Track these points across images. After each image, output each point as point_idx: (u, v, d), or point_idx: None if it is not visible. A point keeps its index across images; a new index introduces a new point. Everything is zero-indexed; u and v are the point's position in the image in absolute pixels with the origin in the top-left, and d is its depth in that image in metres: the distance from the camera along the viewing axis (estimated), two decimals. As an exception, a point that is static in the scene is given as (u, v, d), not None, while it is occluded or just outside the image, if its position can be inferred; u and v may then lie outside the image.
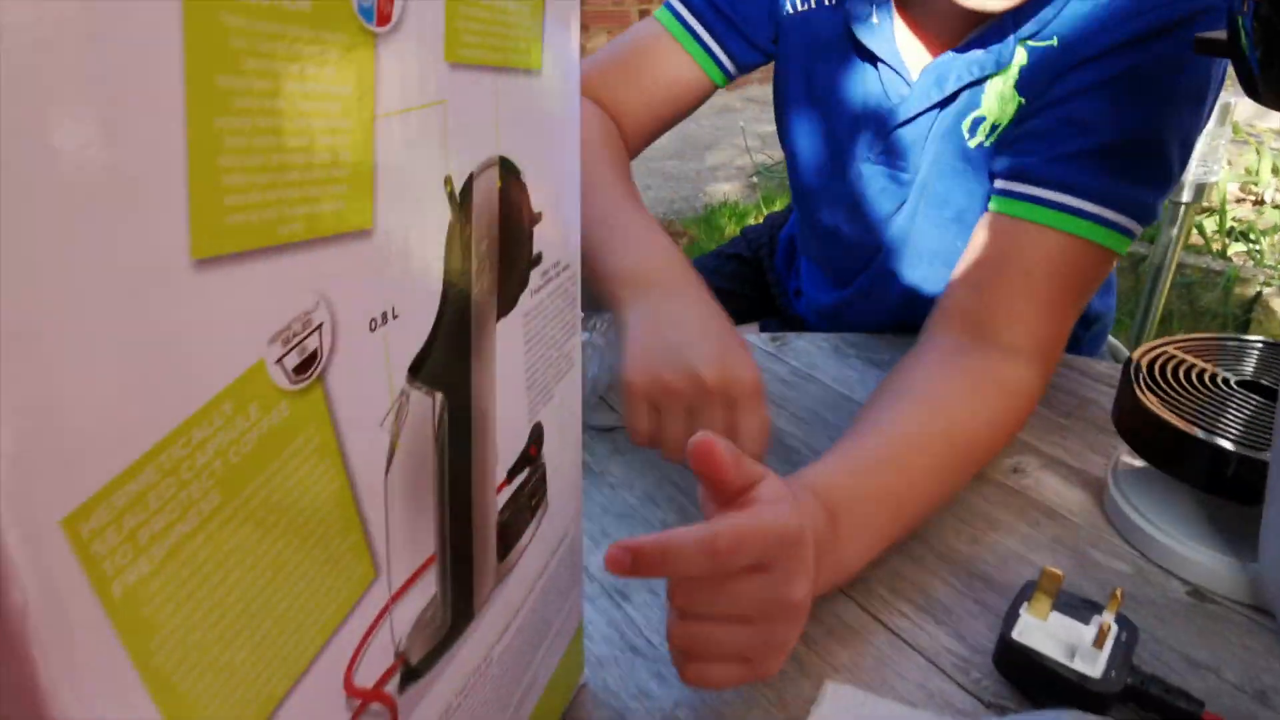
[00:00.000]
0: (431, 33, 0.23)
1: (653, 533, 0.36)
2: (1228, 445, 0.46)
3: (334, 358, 0.21)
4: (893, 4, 0.67)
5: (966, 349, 0.58)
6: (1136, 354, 0.55)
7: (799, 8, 0.70)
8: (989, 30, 0.62)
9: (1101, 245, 0.58)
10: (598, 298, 0.60)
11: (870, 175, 0.72)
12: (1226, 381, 0.52)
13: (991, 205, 0.62)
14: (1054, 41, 0.60)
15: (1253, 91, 0.44)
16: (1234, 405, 0.50)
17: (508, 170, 0.28)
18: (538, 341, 0.32)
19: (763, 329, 0.96)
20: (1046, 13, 0.60)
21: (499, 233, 0.27)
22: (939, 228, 0.70)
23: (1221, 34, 0.45)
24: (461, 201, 0.25)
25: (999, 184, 0.62)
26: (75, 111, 0.14)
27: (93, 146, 0.14)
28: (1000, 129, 0.63)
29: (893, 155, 0.70)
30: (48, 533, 0.15)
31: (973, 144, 0.65)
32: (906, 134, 0.68)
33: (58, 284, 0.14)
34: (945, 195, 0.68)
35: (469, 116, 0.25)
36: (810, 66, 0.71)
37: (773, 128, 0.81)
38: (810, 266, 0.86)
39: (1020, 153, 0.61)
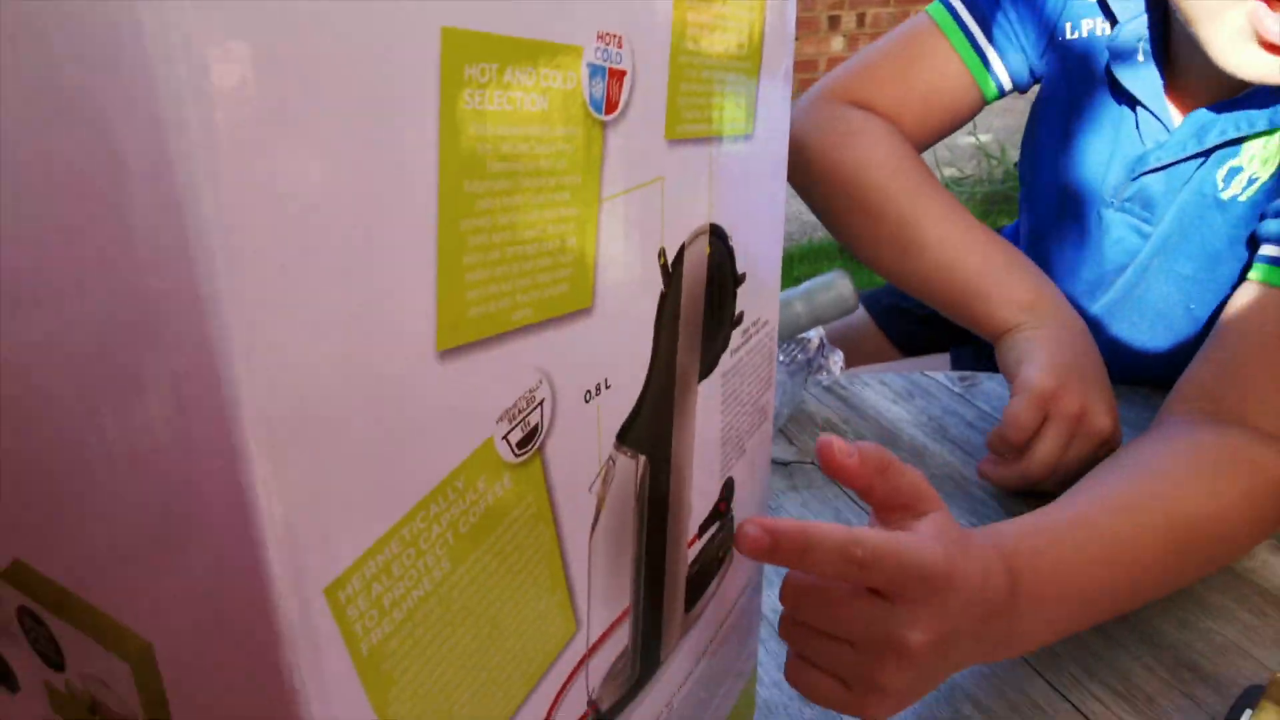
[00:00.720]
0: (654, 114, 0.23)
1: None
2: None
3: (552, 429, 0.22)
4: (1157, 49, 0.62)
5: (1207, 428, 0.51)
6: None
7: (1077, 33, 0.67)
8: (1260, 90, 0.57)
9: None
10: (971, 322, 0.63)
11: (1110, 221, 0.67)
12: None
13: (1253, 274, 0.56)
14: None
15: None
16: None
17: (717, 236, 0.28)
18: (734, 399, 0.32)
19: (954, 358, 0.92)
20: None
21: (705, 299, 0.28)
22: (1173, 284, 0.65)
23: None
24: (673, 272, 0.26)
25: (1265, 249, 0.56)
26: (347, 233, 0.15)
27: (356, 258, 0.16)
28: (1259, 184, 0.58)
29: (1138, 203, 0.65)
30: (315, 600, 0.16)
31: (1225, 195, 0.60)
32: (1155, 183, 0.64)
33: (325, 384, 0.16)
34: (1187, 249, 0.63)
35: (684, 188, 0.26)
36: (1071, 97, 0.68)
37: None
38: None
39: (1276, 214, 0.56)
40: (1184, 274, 0.63)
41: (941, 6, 0.70)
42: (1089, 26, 0.65)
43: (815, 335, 0.70)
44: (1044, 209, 0.73)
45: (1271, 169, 0.58)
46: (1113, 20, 0.64)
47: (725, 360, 0.31)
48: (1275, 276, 0.54)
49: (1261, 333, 0.53)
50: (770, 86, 0.30)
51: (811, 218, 2.94)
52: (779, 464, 0.65)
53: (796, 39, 3.93)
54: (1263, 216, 0.58)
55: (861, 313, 1.01)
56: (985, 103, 0.73)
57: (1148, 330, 0.67)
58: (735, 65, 0.28)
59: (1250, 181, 0.58)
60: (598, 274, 0.22)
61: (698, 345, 0.28)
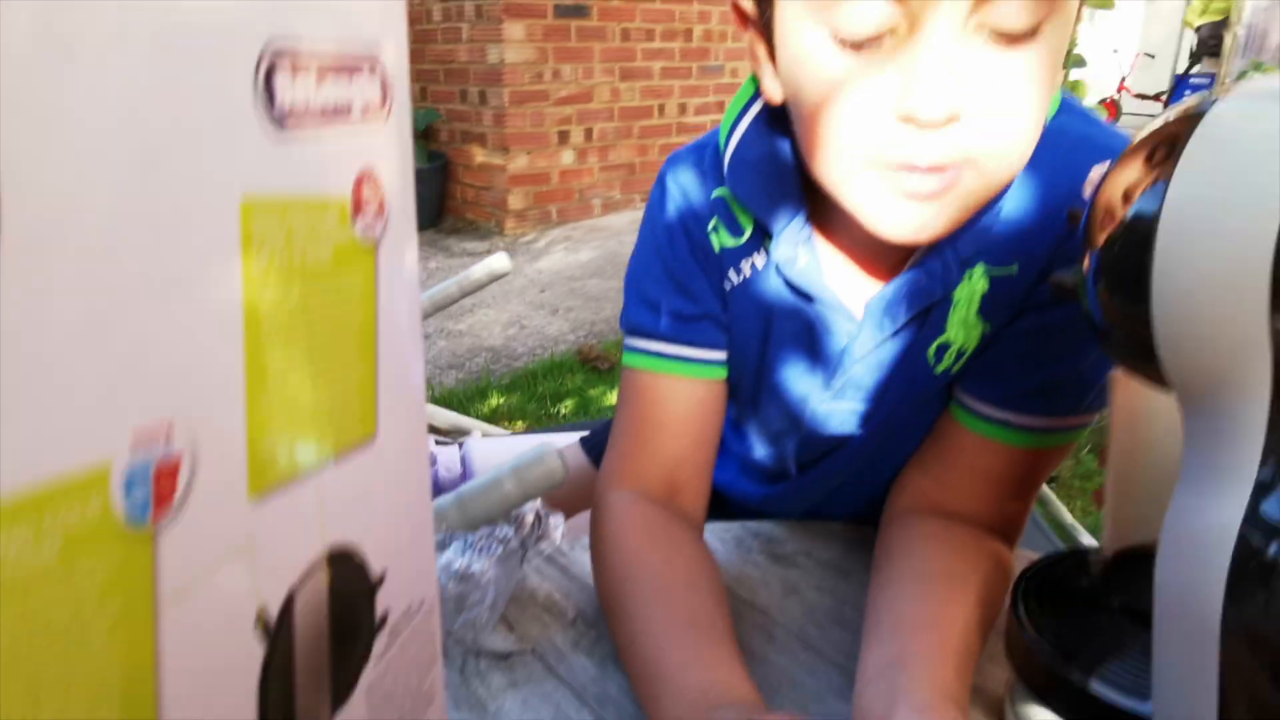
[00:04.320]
0: (228, 488, 0.22)
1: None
2: (1105, 689, 0.46)
3: None
4: (816, 238, 0.63)
5: (953, 529, 0.60)
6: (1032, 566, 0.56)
7: (737, 280, 0.67)
8: (929, 255, 0.60)
9: (1062, 445, 0.62)
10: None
11: (829, 413, 0.69)
12: (1110, 603, 0.53)
13: (953, 411, 0.63)
14: (1014, 269, 0.59)
15: (1097, 338, 0.45)
16: (1113, 633, 0.50)
17: (338, 559, 0.27)
18: (387, 702, 0.30)
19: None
20: (978, 232, 0.58)
21: (329, 631, 0.26)
22: (902, 449, 0.69)
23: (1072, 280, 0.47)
24: (277, 629, 0.24)
25: (962, 398, 0.63)
26: None
27: None
28: (967, 355, 0.62)
29: (852, 391, 0.67)
30: None
31: (939, 370, 0.63)
32: (864, 370, 0.65)
33: None
34: (910, 424, 0.68)
35: (285, 532, 0.24)
36: (759, 327, 0.68)
37: None
38: (738, 457, 0.83)
39: (984, 379, 0.62)
40: (910, 448, 0.68)
41: (632, 353, 0.68)
42: (748, 265, 0.66)
43: (530, 510, 0.70)
44: (759, 415, 0.75)
45: (976, 338, 0.62)
46: (766, 236, 0.64)
47: (368, 672, 0.29)
48: (968, 421, 0.62)
49: (966, 464, 0.63)
50: (393, 371, 0.29)
51: (553, 331, 3.00)
52: (499, 657, 0.63)
53: (528, 153, 4.07)
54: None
55: (583, 459, 1.02)
56: (727, 383, 0.71)
57: (873, 481, 0.72)
58: (342, 371, 0.26)
59: (960, 355, 0.62)
60: (163, 696, 0.20)
61: (324, 682, 0.26)
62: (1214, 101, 0.38)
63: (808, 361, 0.67)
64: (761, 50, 0.56)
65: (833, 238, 0.64)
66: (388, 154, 0.24)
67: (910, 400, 0.66)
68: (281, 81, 0.20)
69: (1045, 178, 0.56)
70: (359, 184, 0.23)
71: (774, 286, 0.66)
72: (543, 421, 2.26)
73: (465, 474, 1.22)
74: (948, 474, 0.64)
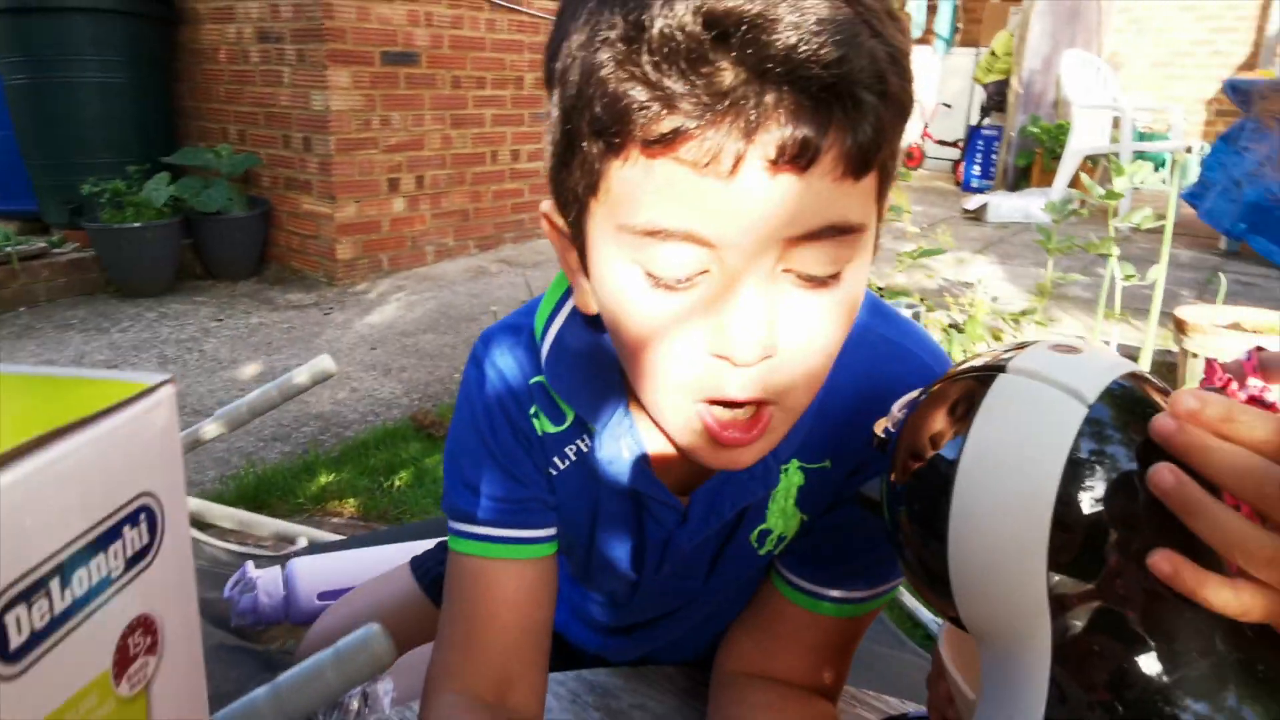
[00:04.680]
0: None
1: None
2: None
3: None
4: (639, 428, 0.62)
5: (786, 700, 0.63)
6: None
7: (563, 465, 0.66)
8: None
9: (879, 607, 0.66)
10: None
11: (659, 588, 0.70)
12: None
13: (774, 581, 0.67)
14: (828, 464, 0.62)
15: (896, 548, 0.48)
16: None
17: None
18: None
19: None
20: (793, 434, 0.58)
21: None
22: (734, 609, 0.71)
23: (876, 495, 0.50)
24: None
25: (784, 573, 0.66)
26: None
27: None
28: (787, 540, 0.65)
29: (680, 571, 0.68)
30: None
31: (761, 552, 0.66)
32: (692, 554, 0.66)
33: None
34: (740, 591, 0.70)
35: None
36: (587, 509, 0.67)
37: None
38: (575, 605, 0.82)
39: (803, 560, 0.65)
40: (739, 608, 0.71)
41: (458, 538, 0.66)
42: (572, 450, 0.65)
43: (355, 695, 0.66)
44: (592, 588, 0.75)
45: (795, 526, 0.64)
46: (587, 433, 0.64)
47: None
48: (789, 593, 0.66)
49: (789, 632, 0.66)
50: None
51: (385, 395, 2.90)
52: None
53: (357, 201, 3.94)
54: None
55: (413, 585, 0.98)
56: (557, 556, 0.70)
57: (706, 637, 0.75)
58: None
59: (780, 540, 0.65)
60: None
61: None
62: (1003, 365, 0.41)
63: (635, 544, 0.68)
64: (575, 261, 0.55)
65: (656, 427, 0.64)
66: (162, 585, 0.22)
67: (736, 576, 0.68)
68: (17, 617, 0.18)
69: (855, 380, 0.59)
70: (126, 636, 0.21)
71: (599, 474, 0.65)
72: (376, 499, 2.17)
73: (290, 597, 1.16)
74: (774, 643, 0.66)
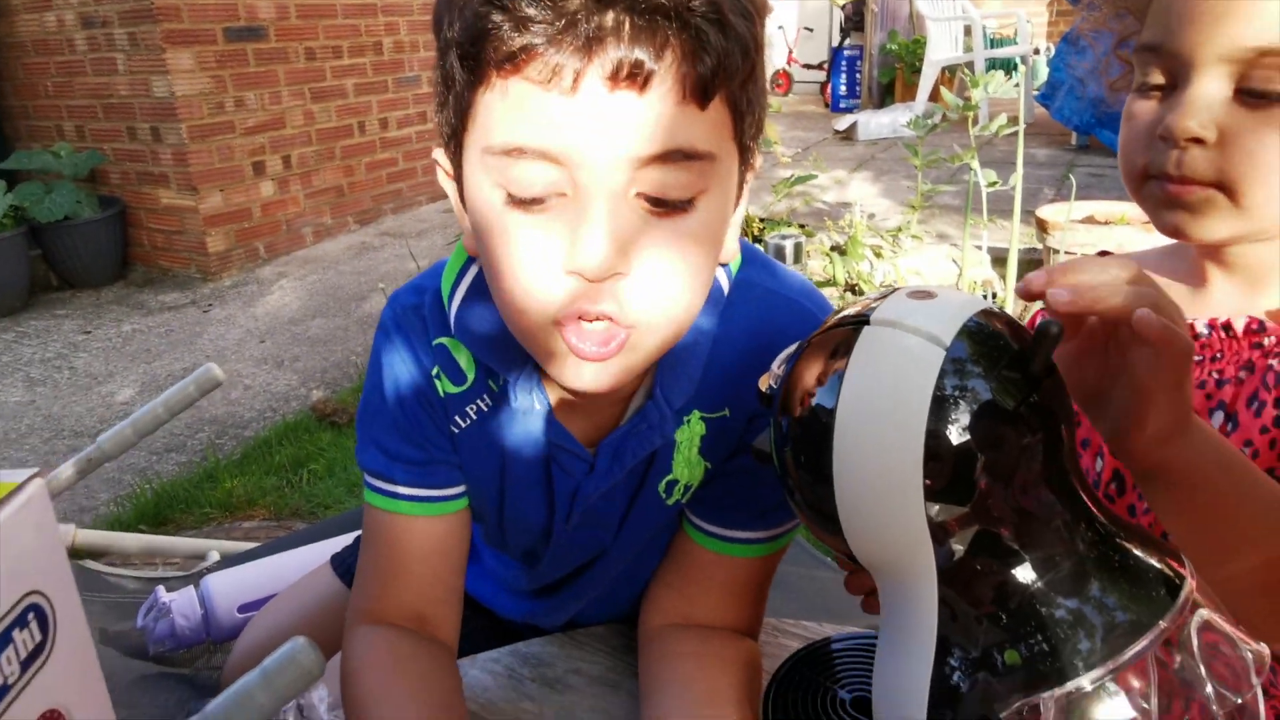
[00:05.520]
0: None
1: None
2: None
3: None
4: (546, 384, 0.64)
5: (709, 642, 0.66)
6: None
7: (464, 424, 0.68)
8: (647, 407, 0.64)
9: (780, 549, 0.70)
10: None
11: (570, 541, 0.72)
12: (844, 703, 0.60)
13: (687, 530, 0.70)
14: (726, 412, 0.65)
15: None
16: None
17: None
18: None
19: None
20: (686, 385, 0.62)
21: None
22: (651, 562, 0.74)
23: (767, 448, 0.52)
24: None
25: (695, 520, 0.69)
26: None
27: None
28: (694, 489, 0.68)
29: (590, 522, 0.70)
30: None
31: (670, 502, 0.68)
32: (601, 505, 0.69)
33: None
34: (653, 542, 0.73)
35: None
36: (494, 467, 0.69)
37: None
38: (495, 574, 0.84)
39: (711, 506, 0.69)
40: (656, 560, 0.73)
41: (372, 493, 0.69)
42: (473, 409, 0.67)
43: (290, 709, 0.66)
44: (504, 543, 0.77)
45: (699, 474, 0.68)
46: (491, 382, 0.66)
47: None
48: (701, 539, 0.69)
49: (705, 577, 0.69)
50: None
51: (281, 388, 2.81)
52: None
53: (221, 190, 3.74)
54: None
55: (336, 583, 0.98)
56: (469, 512, 0.72)
57: (627, 593, 0.77)
58: None
59: (687, 489, 0.68)
60: None
61: None
62: (866, 318, 0.44)
63: (545, 497, 0.70)
64: (457, 202, 0.58)
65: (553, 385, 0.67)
66: (64, 677, 0.22)
67: (647, 527, 0.71)
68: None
69: (745, 331, 0.63)
70: (38, 730, 0.22)
71: (504, 429, 0.67)
72: (287, 497, 2.12)
73: (209, 616, 1.13)
74: (692, 588, 0.70)
